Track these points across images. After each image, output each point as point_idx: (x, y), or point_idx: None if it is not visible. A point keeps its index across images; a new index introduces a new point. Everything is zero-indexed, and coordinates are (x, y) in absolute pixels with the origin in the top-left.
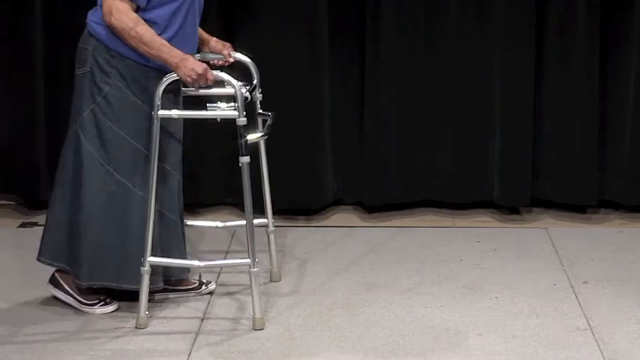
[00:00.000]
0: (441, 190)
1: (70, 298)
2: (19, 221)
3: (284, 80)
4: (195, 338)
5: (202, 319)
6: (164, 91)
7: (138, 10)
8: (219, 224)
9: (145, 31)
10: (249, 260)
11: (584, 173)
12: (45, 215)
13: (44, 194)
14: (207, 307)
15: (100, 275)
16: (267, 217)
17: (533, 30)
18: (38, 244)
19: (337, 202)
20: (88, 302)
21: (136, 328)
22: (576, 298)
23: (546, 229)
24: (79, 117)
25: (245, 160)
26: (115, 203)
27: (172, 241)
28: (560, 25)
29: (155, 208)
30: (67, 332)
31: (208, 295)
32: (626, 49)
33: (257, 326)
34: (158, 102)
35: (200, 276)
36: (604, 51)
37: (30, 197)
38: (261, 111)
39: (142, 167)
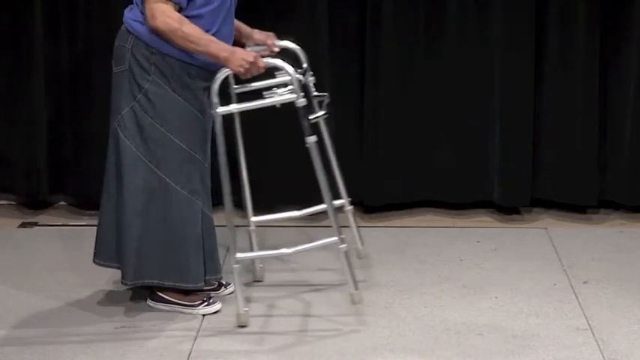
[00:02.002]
0: (441, 190)
1: (172, 306)
2: (19, 221)
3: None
4: (196, 337)
5: (203, 318)
6: (203, 89)
7: (180, 10)
8: (297, 213)
9: (192, 30)
10: (337, 239)
11: (584, 173)
12: (44, 215)
13: (44, 194)
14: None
15: (143, 274)
16: (342, 197)
17: (533, 30)
18: (38, 244)
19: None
20: (191, 304)
21: (238, 326)
22: (576, 298)
23: (546, 229)
24: (117, 115)
25: (311, 139)
26: (157, 200)
27: (212, 238)
28: (560, 25)
29: (200, 206)
30: (68, 332)
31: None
32: (626, 49)
33: (355, 301)
34: (215, 99)
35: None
36: (604, 51)
37: (30, 197)
38: (316, 93)
39: (183, 164)
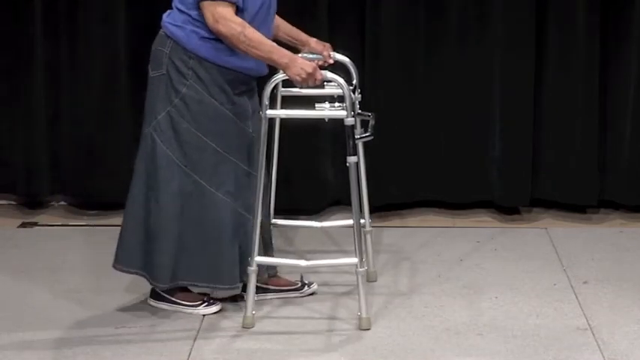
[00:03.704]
0: (441, 190)
1: (174, 305)
2: (19, 221)
3: (283, 80)
4: (196, 337)
5: (203, 318)
6: (240, 93)
7: (238, 11)
8: (317, 224)
9: (253, 34)
10: (356, 260)
11: (584, 173)
12: (44, 215)
13: (44, 194)
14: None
15: (178, 276)
16: (364, 217)
17: (533, 30)
18: (38, 244)
19: (337, 202)
20: (192, 304)
21: (243, 327)
22: (576, 298)
23: (546, 229)
24: (153, 120)
25: (353, 160)
26: (192, 204)
27: (249, 241)
28: (560, 25)
29: (235, 207)
30: (68, 332)
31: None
32: (627, 49)
33: (364, 326)
34: (266, 101)
35: (302, 277)
36: (604, 51)
37: (30, 197)
38: (360, 111)
39: (217, 166)
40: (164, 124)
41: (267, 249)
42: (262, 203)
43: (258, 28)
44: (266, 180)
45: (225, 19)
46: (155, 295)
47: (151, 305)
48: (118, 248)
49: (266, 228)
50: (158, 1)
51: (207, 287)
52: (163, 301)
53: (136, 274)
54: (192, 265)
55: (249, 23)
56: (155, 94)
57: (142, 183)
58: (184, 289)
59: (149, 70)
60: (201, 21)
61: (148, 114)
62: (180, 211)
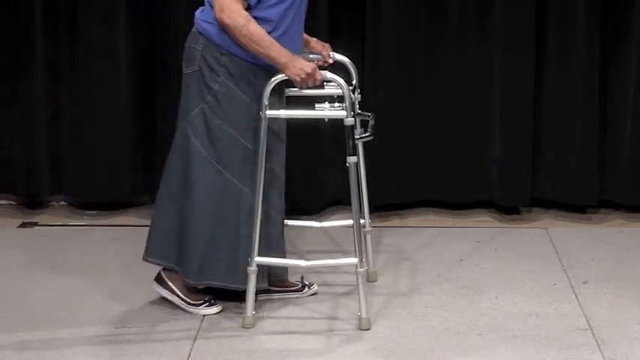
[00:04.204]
0: (441, 190)
1: (176, 297)
2: (19, 221)
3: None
4: (196, 338)
5: (203, 318)
6: (272, 91)
7: (249, 8)
8: (317, 224)
9: (256, 30)
10: (356, 260)
11: (584, 173)
12: (44, 215)
13: (44, 194)
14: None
15: (209, 275)
16: (364, 218)
17: (533, 30)
18: (38, 244)
19: (337, 202)
20: (194, 302)
21: (243, 327)
22: (576, 298)
23: (546, 229)
24: (187, 116)
25: (352, 160)
26: (224, 202)
27: (277, 241)
28: (560, 25)
29: (263, 208)
30: (68, 332)
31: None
32: (627, 49)
33: (364, 326)
34: (266, 102)
35: (302, 278)
36: (604, 51)
37: (30, 197)
38: (360, 111)
39: (250, 166)
40: (197, 120)
41: (278, 247)
42: (279, 201)
43: (290, 25)
44: (281, 177)
45: (231, 10)
46: (159, 279)
47: (154, 290)
48: (149, 241)
49: (282, 229)
50: (158, 1)
51: (237, 288)
52: (166, 288)
53: (172, 269)
54: (222, 264)
55: (279, 21)
56: (188, 91)
57: (177, 178)
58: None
59: (182, 67)
60: None
61: (182, 110)
62: (212, 209)
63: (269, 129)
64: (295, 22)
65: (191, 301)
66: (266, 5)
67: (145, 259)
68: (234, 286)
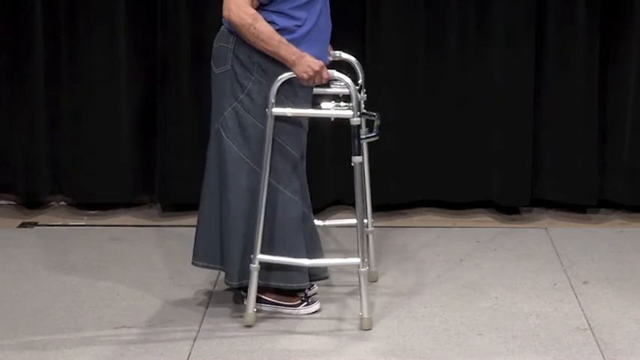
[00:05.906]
0: (441, 190)
1: (274, 307)
2: (19, 221)
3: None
4: (196, 338)
5: (203, 318)
6: (300, 85)
7: (260, 6)
8: (320, 223)
9: (264, 28)
10: (358, 260)
11: (584, 173)
12: (44, 215)
13: (44, 194)
14: (207, 307)
15: (248, 275)
16: (366, 218)
17: (533, 30)
18: (38, 244)
19: (337, 202)
20: (291, 304)
21: (244, 325)
22: (576, 298)
23: (546, 229)
24: (220, 116)
25: (358, 159)
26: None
27: (317, 241)
28: (560, 24)
29: (300, 206)
30: (68, 332)
31: (206, 297)
32: (626, 49)
33: (365, 326)
34: (272, 99)
35: None
36: (604, 51)
37: (30, 197)
38: (365, 111)
39: (284, 164)
40: (230, 119)
41: (320, 249)
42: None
43: (316, 15)
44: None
45: (239, 8)
46: (258, 300)
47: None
48: (196, 245)
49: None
50: (158, 1)
51: (277, 287)
52: (263, 303)
53: (218, 269)
54: (262, 264)
55: (307, 12)
56: (221, 91)
57: (215, 179)
58: (276, 289)
59: (212, 67)
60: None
61: (215, 110)
62: (248, 208)
63: (302, 126)
64: (323, 15)
65: (288, 303)
66: (278, 1)
67: (193, 263)
68: (273, 284)
